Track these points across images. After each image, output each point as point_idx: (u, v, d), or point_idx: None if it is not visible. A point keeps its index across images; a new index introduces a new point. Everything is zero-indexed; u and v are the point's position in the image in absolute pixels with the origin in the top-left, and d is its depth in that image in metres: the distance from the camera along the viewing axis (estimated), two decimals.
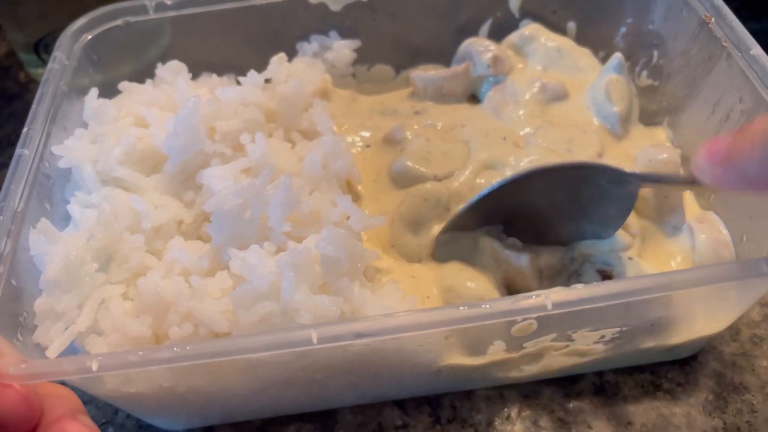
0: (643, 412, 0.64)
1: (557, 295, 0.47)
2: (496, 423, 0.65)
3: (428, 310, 0.50)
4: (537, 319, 0.51)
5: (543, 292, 0.47)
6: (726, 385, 0.65)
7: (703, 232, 0.64)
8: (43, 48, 0.93)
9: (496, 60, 0.76)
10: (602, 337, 0.58)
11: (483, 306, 0.47)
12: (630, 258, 0.64)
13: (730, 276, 0.48)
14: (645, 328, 0.58)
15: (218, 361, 0.50)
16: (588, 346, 0.59)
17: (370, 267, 0.61)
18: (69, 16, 0.75)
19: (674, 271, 0.59)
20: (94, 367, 0.48)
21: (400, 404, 0.66)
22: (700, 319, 0.60)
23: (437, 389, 0.66)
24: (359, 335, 0.47)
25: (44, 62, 0.94)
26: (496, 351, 0.58)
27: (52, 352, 0.54)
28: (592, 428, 0.63)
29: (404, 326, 0.47)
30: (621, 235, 0.64)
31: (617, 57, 0.74)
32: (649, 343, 0.61)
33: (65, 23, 0.75)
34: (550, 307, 0.47)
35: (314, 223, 0.61)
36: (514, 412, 0.65)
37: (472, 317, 0.47)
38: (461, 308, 0.47)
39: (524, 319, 0.52)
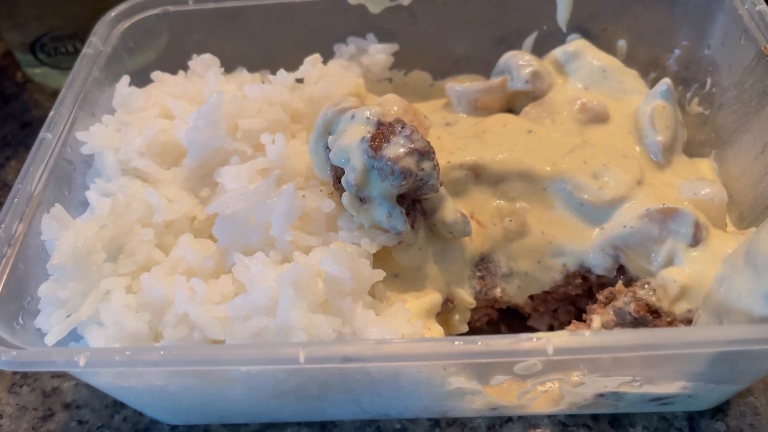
0: (645, 415, 0.62)
1: (560, 339, 0.44)
2: (496, 426, 0.63)
3: (422, 341, 0.48)
4: (540, 360, 0.48)
5: (545, 335, 0.44)
6: None
7: None
8: (39, 48, 0.93)
9: (535, 76, 0.72)
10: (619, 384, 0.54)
11: (479, 343, 0.44)
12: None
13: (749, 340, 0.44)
14: (663, 380, 0.54)
15: (205, 369, 0.49)
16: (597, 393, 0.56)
17: (379, 285, 0.59)
18: (65, 17, 0.76)
19: (695, 328, 0.54)
20: (81, 362, 0.47)
21: None
22: (724, 375, 0.55)
23: (444, 413, 0.64)
24: (347, 359, 0.45)
25: (41, 62, 0.95)
26: (501, 382, 0.55)
27: (50, 339, 0.55)
28: (592, 430, 0.61)
29: (394, 355, 0.45)
30: None
31: (666, 83, 0.69)
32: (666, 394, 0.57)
33: (62, 24, 0.75)
34: (550, 351, 0.44)
35: (324, 232, 0.59)
36: (515, 416, 0.63)
37: (466, 353, 0.45)
38: (456, 343, 0.45)
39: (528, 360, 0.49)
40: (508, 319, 0.69)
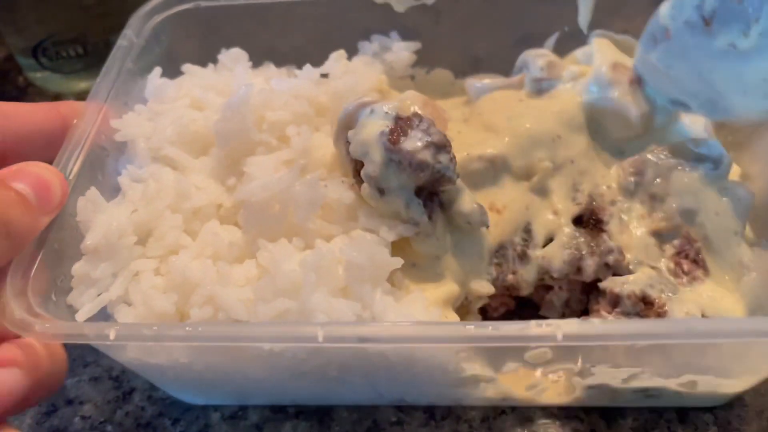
0: (635, 407, 0.63)
1: (570, 326, 0.46)
2: (490, 419, 0.64)
3: (435, 324, 0.50)
4: (550, 348, 0.50)
5: (555, 322, 0.46)
6: None
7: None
8: (41, 52, 0.93)
9: (550, 65, 0.73)
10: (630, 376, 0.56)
11: (489, 328, 0.46)
12: None
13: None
14: (672, 374, 0.55)
15: (228, 345, 0.52)
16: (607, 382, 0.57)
17: (397, 274, 0.61)
18: (67, 21, 0.76)
19: (705, 319, 0.55)
20: (112, 336, 0.50)
21: None
22: (734, 370, 0.56)
23: (458, 401, 0.66)
24: (363, 339, 0.47)
25: (42, 66, 0.95)
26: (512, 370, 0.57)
27: (81, 316, 0.57)
28: (584, 423, 0.63)
29: (408, 337, 0.47)
30: None
31: None
32: (675, 389, 0.58)
33: (64, 28, 0.76)
34: (560, 338, 0.45)
35: (346, 221, 0.61)
36: (508, 409, 0.65)
37: (477, 338, 0.46)
38: (468, 327, 0.47)
39: (538, 347, 0.50)
40: (524, 313, 0.70)
